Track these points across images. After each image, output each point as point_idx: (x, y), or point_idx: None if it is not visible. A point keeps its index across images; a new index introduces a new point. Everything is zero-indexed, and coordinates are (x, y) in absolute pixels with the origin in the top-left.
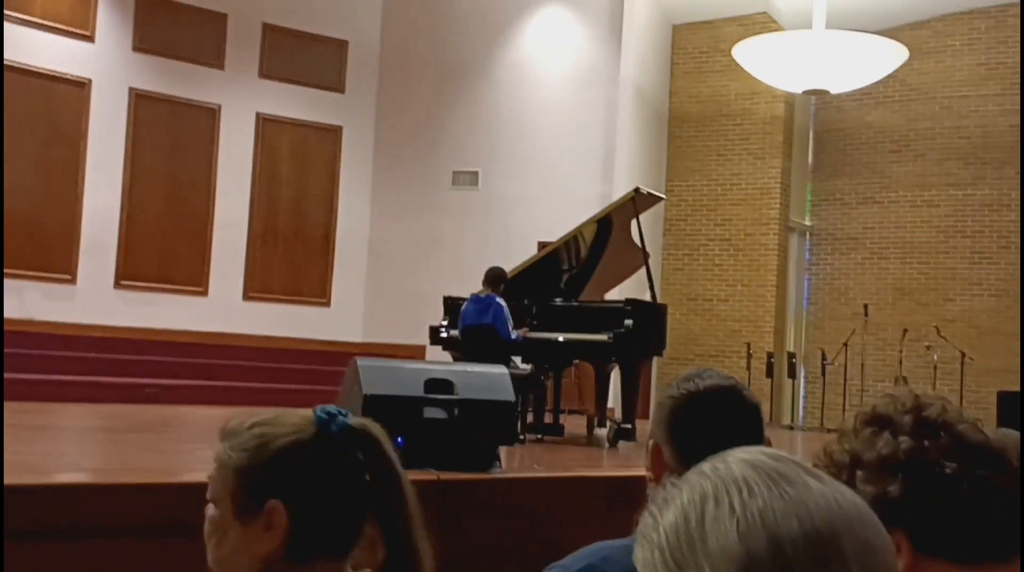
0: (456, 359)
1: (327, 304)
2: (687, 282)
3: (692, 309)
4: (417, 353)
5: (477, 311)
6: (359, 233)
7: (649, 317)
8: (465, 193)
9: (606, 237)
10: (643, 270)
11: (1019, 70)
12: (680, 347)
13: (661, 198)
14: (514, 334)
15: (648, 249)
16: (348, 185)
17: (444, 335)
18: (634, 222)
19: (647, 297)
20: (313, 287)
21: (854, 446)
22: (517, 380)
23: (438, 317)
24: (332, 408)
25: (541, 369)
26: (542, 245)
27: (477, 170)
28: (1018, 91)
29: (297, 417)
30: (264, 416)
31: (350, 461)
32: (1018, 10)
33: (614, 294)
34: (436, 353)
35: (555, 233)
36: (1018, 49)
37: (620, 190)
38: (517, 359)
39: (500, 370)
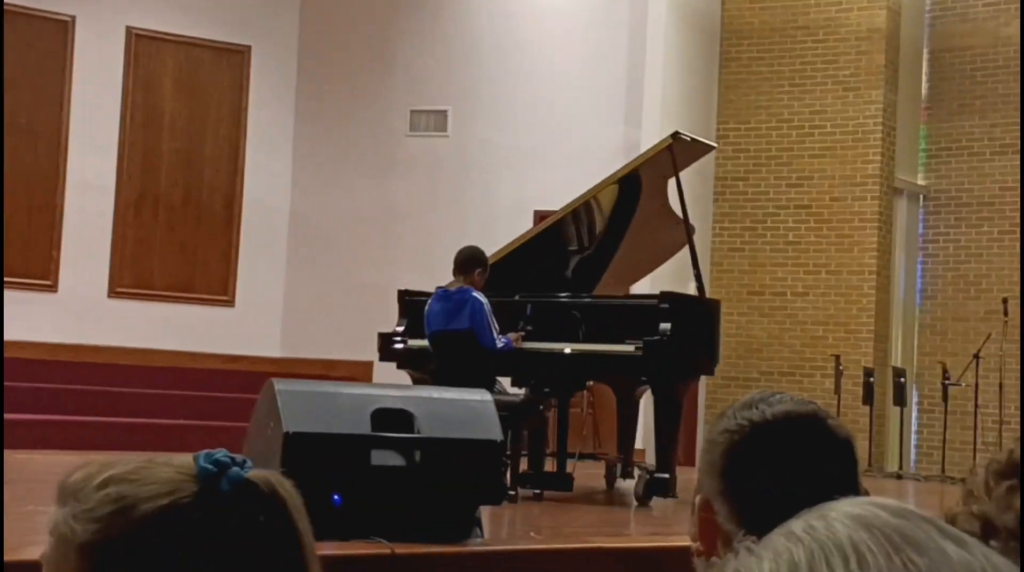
0: (417, 381)
1: (230, 303)
2: (748, 269)
3: (755, 307)
4: (362, 373)
5: (446, 311)
6: (276, 202)
7: (694, 319)
8: (429, 143)
9: (632, 205)
10: (685, 251)
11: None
12: (738, 361)
13: (710, 147)
14: (500, 342)
15: (693, 221)
16: (260, 132)
17: (400, 346)
18: (672, 183)
19: (691, 290)
20: (210, 279)
21: (985, 508)
22: (506, 410)
23: (391, 321)
24: (222, 454)
25: (540, 395)
26: (540, 216)
27: (446, 109)
28: None
29: (171, 470)
30: (122, 468)
31: (246, 533)
32: None
33: (643, 286)
34: (389, 372)
35: (559, 200)
36: None
37: (651, 138)
38: (505, 381)
39: (481, 396)
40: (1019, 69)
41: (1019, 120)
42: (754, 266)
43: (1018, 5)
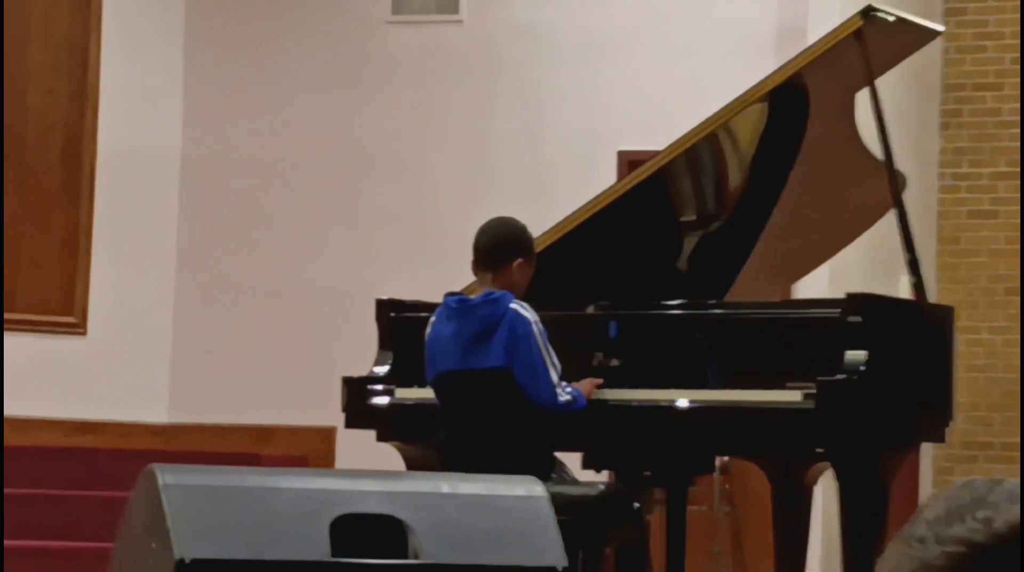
0: (414, 462)
1: (80, 330)
2: (1008, 247)
3: (1017, 317)
4: (314, 449)
5: (465, 336)
6: (155, 150)
7: (908, 341)
8: (428, 33)
9: (793, 139)
10: (888, 220)
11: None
12: (993, 415)
13: (933, 33)
14: (566, 394)
15: (905, 166)
16: (124, 26)
17: (382, 401)
18: (865, 100)
19: (901, 291)
20: (42, 289)
21: None
22: (574, 513)
23: (366, 356)
24: None
25: (635, 484)
26: (628, 163)
27: None
28: None
29: None
30: None
31: None
32: None
33: (812, 286)
34: (363, 447)
35: (661, 134)
36: None
37: (825, 18)
38: (571, 460)
39: (528, 489)
40: None
41: None
42: (1018, 243)
43: None
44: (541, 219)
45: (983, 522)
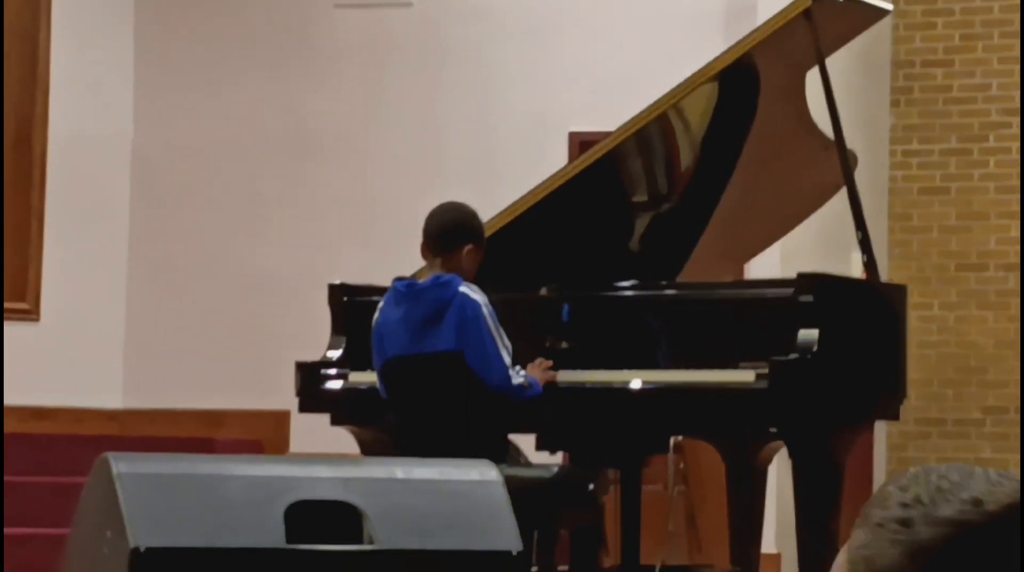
0: (368, 446)
1: (31, 316)
2: (959, 224)
3: (973, 293)
4: (267, 434)
5: (415, 320)
6: (106, 135)
7: (860, 320)
8: (375, 18)
9: (743, 117)
10: (839, 199)
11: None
12: (945, 392)
13: (882, 12)
14: (519, 377)
15: (855, 144)
16: (75, 11)
17: (336, 386)
18: (814, 77)
19: (852, 270)
20: None
21: None
22: (528, 495)
23: (319, 341)
24: None
25: (589, 465)
26: (579, 144)
27: None
28: None
29: None
30: None
31: None
32: None
33: (763, 266)
34: (316, 431)
35: (612, 115)
36: None
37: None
38: (526, 440)
39: (482, 472)
40: None
41: None
42: (969, 219)
43: None
44: (490, 202)
45: (972, 503)
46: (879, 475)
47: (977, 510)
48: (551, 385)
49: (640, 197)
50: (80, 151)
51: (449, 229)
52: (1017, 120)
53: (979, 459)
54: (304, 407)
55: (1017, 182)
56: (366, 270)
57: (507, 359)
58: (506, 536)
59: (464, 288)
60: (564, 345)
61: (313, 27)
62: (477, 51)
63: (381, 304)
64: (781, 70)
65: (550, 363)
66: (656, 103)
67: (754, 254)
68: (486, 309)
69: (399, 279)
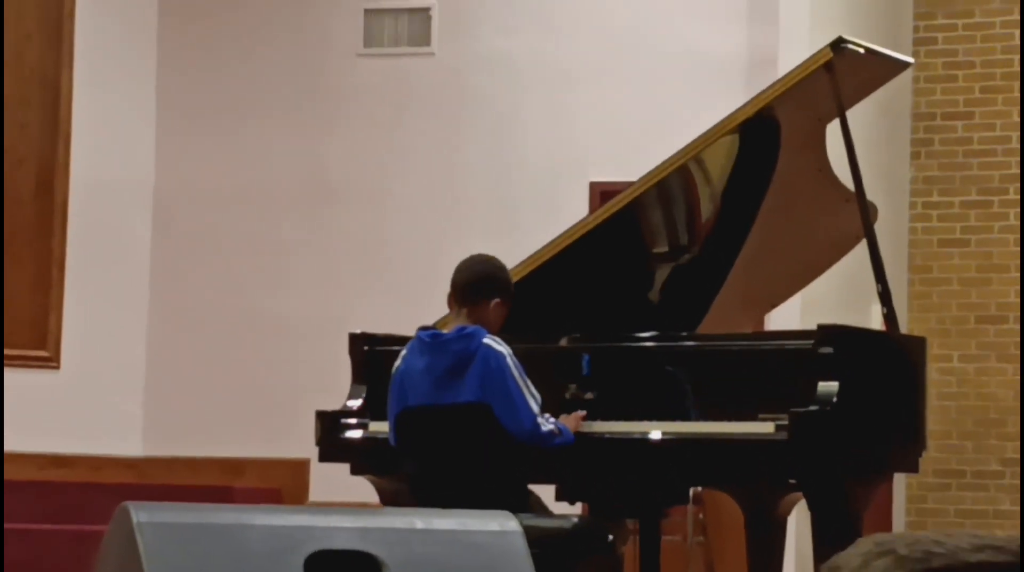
0: (388, 496)
1: (53, 364)
2: (978, 277)
3: (992, 345)
4: (287, 482)
5: (438, 371)
6: (127, 181)
7: (880, 372)
8: (399, 65)
9: (764, 169)
10: (859, 251)
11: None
12: (965, 444)
13: (903, 64)
14: (548, 423)
15: (875, 196)
16: (97, 58)
17: (356, 435)
18: (835, 130)
19: (872, 322)
20: (14, 322)
21: None
22: (547, 546)
23: (340, 389)
24: None
25: (608, 516)
26: (603, 196)
27: (428, 6)
28: None
29: None
30: None
31: None
32: None
33: (782, 317)
34: (336, 480)
35: (633, 166)
36: None
37: (796, 48)
38: (546, 491)
39: (502, 523)
40: None
41: None
42: (989, 271)
43: None
44: (509, 251)
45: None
46: (898, 526)
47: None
48: (579, 437)
49: (661, 248)
50: (101, 197)
51: (478, 282)
52: None
53: (998, 511)
54: (324, 456)
55: None
56: (384, 316)
57: (535, 407)
58: None
59: (488, 340)
60: (586, 396)
61: (335, 74)
62: (498, 100)
63: (404, 352)
64: (802, 121)
65: (583, 414)
66: (677, 154)
67: (774, 305)
68: (510, 360)
69: (423, 328)
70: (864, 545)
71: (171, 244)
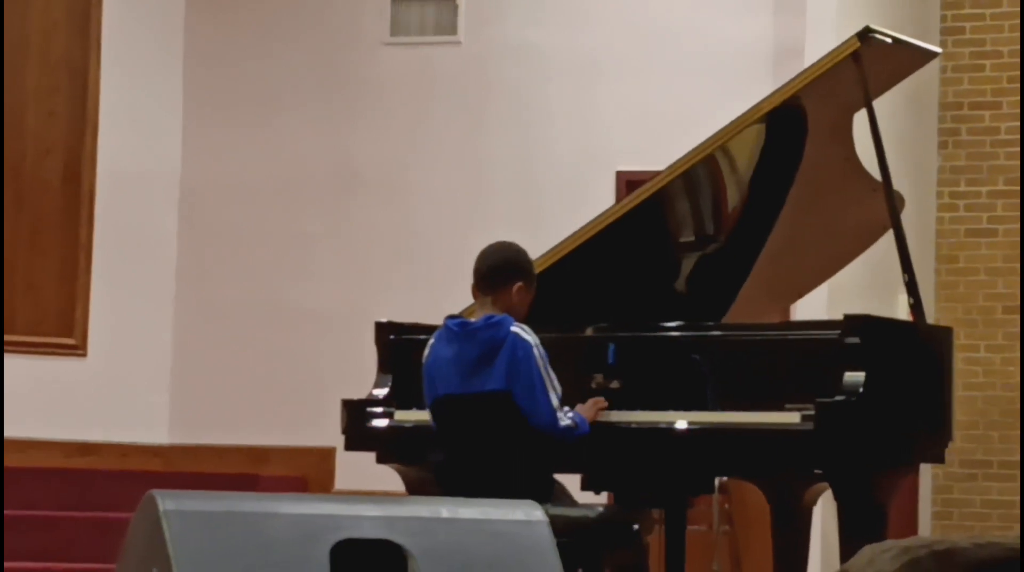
0: (414, 485)
1: (80, 352)
2: (1004, 266)
3: (1015, 335)
4: (313, 472)
5: (465, 360)
6: (154, 172)
7: (906, 362)
8: (425, 55)
9: (790, 159)
10: (886, 240)
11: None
12: (991, 434)
13: (931, 54)
14: (567, 419)
15: (902, 186)
16: (123, 50)
17: (382, 424)
18: (862, 120)
19: (899, 312)
20: (41, 310)
21: None
22: (572, 535)
23: (365, 378)
24: None
25: (633, 506)
26: (629, 186)
27: None
28: None
29: None
30: None
31: None
32: None
33: (812, 306)
34: (362, 469)
35: (659, 155)
36: None
37: (822, 38)
38: (571, 480)
39: (527, 513)
40: None
41: None
42: (1016, 261)
43: None
44: (534, 240)
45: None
46: (924, 517)
47: None
48: (599, 425)
49: (687, 237)
50: (128, 187)
51: (498, 268)
52: None
53: None
54: (350, 445)
55: None
56: (409, 307)
57: (555, 401)
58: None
59: (516, 328)
60: (612, 385)
61: (361, 64)
62: (524, 89)
63: (432, 341)
64: (829, 111)
65: (605, 403)
66: (704, 143)
67: (800, 295)
68: (537, 350)
69: (451, 317)
70: (868, 551)
71: (197, 234)
